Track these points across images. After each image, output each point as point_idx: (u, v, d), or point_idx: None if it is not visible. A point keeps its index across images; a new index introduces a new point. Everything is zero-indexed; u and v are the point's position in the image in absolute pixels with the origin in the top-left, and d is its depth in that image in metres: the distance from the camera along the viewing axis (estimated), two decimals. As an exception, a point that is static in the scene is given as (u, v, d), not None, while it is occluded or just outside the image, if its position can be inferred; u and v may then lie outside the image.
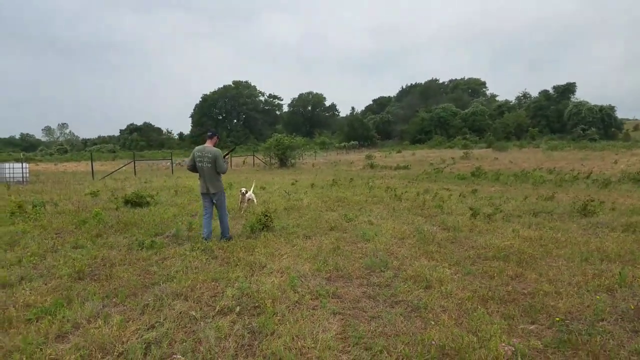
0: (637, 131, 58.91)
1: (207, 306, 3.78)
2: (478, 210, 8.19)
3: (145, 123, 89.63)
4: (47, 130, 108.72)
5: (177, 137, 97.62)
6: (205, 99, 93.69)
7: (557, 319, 3.52)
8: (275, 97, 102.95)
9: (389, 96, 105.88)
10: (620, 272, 4.48)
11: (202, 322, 3.43)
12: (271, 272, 4.74)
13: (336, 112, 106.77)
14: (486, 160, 28.23)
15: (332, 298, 4.01)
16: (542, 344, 3.13)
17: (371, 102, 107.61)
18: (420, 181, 17.26)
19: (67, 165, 38.81)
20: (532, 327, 3.42)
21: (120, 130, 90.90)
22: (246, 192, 8.87)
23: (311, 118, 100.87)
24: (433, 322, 3.44)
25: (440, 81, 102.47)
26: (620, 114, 61.76)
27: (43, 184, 16.28)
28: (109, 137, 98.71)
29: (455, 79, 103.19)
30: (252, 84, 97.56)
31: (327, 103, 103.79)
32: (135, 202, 9.40)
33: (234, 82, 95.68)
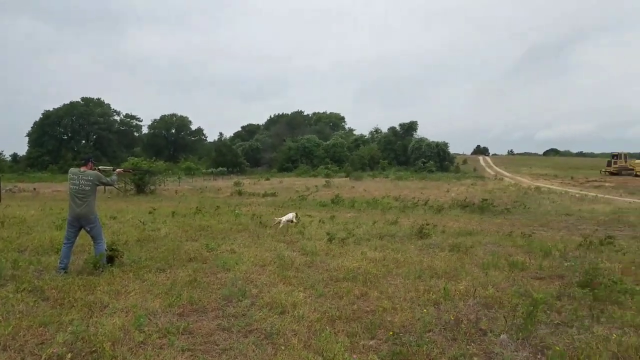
0: (466, 164, 70.50)
1: (31, 355, 3.27)
2: (334, 235, 8.74)
3: (-37, 141, 73.73)
4: None
5: (9, 158, 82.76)
6: (47, 115, 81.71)
7: (391, 333, 3.87)
8: (132, 117, 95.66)
9: (258, 124, 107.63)
10: (444, 287, 5.08)
11: (20, 378, 2.92)
12: (114, 312, 4.29)
13: (203, 137, 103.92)
14: (344, 189, 30.41)
15: (183, 334, 3.81)
16: (378, 357, 3.40)
17: (240, 129, 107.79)
18: (286, 208, 17.68)
19: None
20: (371, 342, 3.72)
21: None
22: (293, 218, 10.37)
23: (175, 141, 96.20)
24: (283, 347, 3.52)
25: (305, 113, 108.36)
26: (452, 150, 73.59)
27: None
28: None
29: (318, 112, 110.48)
30: (106, 102, 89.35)
31: (193, 127, 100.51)
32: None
33: (83, 99, 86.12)
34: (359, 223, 11.84)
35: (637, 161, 49.32)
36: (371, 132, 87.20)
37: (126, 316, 4.20)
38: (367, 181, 41.62)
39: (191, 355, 3.40)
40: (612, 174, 45.85)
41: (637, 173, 44.00)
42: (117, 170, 6.93)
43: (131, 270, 5.99)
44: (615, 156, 49.19)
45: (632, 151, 67.18)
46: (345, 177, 48.72)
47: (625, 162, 47.37)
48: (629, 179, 39.59)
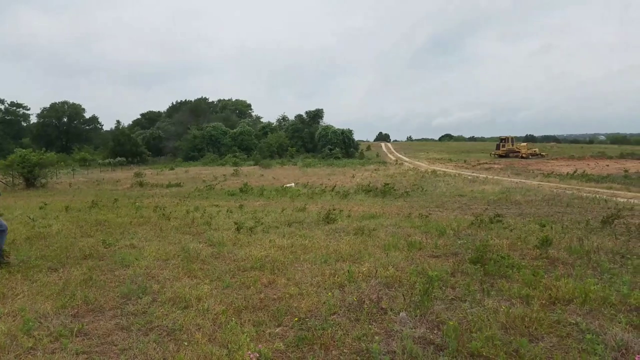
0: (369, 151, 73.77)
1: None
2: (242, 224, 8.69)
3: None
4: None
5: None
6: None
7: (297, 319, 3.88)
8: (18, 105, 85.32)
9: (159, 111, 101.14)
10: (349, 270, 5.15)
11: None
12: (-1, 318, 3.93)
13: (98, 126, 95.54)
14: (253, 177, 30.18)
15: (77, 336, 3.61)
16: (284, 344, 3.39)
17: (139, 117, 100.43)
18: (192, 199, 17.09)
19: None
20: (277, 330, 3.71)
21: None
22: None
23: (68, 131, 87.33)
24: (186, 343, 3.45)
25: (210, 100, 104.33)
26: (356, 137, 76.34)
27: None
28: None
29: (224, 99, 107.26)
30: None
31: (87, 115, 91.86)
32: None
33: (-42, 86, 74.46)
34: (268, 211, 11.87)
35: (523, 144, 56.09)
36: (279, 120, 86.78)
37: (13, 321, 3.88)
38: (276, 169, 41.68)
39: (87, 358, 3.25)
40: (500, 156, 51.36)
41: (523, 155, 49.95)
42: None
43: (19, 271, 5.51)
44: (503, 140, 55.07)
45: (518, 135, 76.14)
46: (254, 165, 48.25)
47: (512, 145, 53.46)
48: (516, 161, 44.92)
